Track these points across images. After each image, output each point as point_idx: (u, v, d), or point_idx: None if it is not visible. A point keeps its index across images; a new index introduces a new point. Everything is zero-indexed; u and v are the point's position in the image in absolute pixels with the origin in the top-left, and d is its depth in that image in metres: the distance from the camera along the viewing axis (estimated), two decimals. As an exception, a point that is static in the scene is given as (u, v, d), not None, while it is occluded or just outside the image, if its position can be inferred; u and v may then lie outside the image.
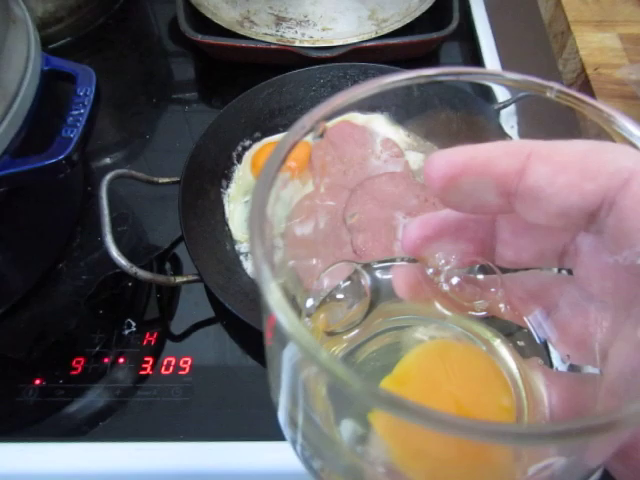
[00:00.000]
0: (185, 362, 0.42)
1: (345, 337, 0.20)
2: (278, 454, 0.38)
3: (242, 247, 0.47)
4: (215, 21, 0.56)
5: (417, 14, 0.57)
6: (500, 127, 0.55)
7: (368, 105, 0.62)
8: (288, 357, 0.14)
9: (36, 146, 0.36)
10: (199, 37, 0.54)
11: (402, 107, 0.62)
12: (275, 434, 0.39)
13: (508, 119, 0.54)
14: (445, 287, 0.19)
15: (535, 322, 0.18)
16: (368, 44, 0.55)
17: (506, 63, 0.59)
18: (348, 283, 0.21)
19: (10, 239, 0.43)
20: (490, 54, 0.60)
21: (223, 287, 0.42)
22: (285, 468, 0.38)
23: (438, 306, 0.19)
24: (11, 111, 0.32)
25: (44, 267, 0.45)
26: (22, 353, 0.42)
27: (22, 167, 0.33)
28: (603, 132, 0.16)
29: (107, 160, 0.54)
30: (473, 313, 0.19)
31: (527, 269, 0.18)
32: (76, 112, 0.35)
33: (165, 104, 0.59)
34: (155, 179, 0.45)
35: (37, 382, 0.41)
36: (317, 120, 0.16)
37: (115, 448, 0.38)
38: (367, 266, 0.21)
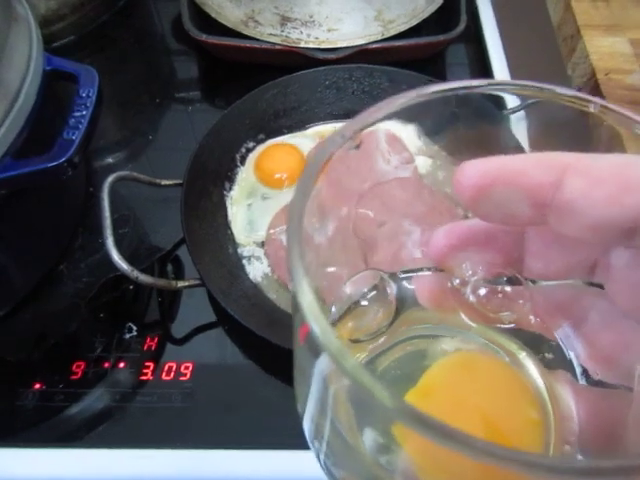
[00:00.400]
0: (186, 367, 0.42)
1: (370, 346, 0.19)
2: (281, 463, 0.38)
3: (245, 251, 0.47)
4: (219, 20, 0.55)
5: (424, 15, 0.56)
6: (510, 131, 0.54)
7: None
8: (319, 366, 0.14)
9: (37, 147, 0.35)
10: (203, 37, 0.54)
11: (405, 115, 0.61)
12: (278, 442, 0.38)
13: (517, 124, 0.53)
14: (471, 298, 0.19)
15: (563, 335, 0.17)
16: (374, 46, 0.54)
17: (513, 66, 0.59)
18: (374, 292, 0.20)
19: (10, 240, 0.42)
20: (497, 56, 0.60)
21: (225, 292, 0.41)
22: (288, 477, 0.38)
23: (463, 317, 0.19)
24: (12, 112, 0.32)
25: (45, 269, 0.44)
26: (21, 356, 0.41)
27: (23, 169, 0.32)
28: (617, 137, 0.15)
29: (109, 160, 0.53)
30: (500, 325, 0.18)
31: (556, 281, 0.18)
32: (78, 114, 0.34)
33: (168, 103, 0.59)
34: (158, 181, 0.45)
35: (37, 386, 0.40)
36: (357, 130, 0.15)
37: (114, 455, 0.38)
38: (393, 275, 0.20)
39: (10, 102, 0.32)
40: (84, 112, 0.35)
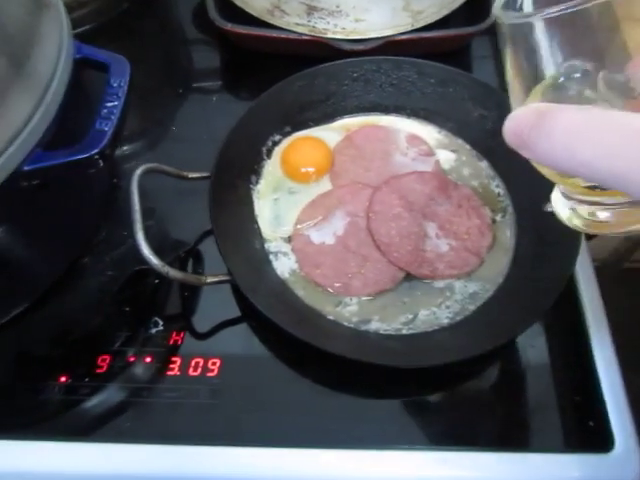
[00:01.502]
0: (214, 363, 0.41)
1: None
2: (308, 461, 0.37)
3: (271, 246, 0.46)
4: (245, 9, 0.54)
5: (454, 6, 0.55)
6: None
7: (393, 105, 0.59)
8: None
9: (64, 139, 0.35)
10: (229, 26, 0.53)
11: (432, 108, 0.59)
12: (306, 440, 0.38)
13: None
14: None
15: None
16: (403, 37, 0.53)
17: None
18: None
19: (33, 233, 0.42)
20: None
21: (254, 288, 0.40)
22: (315, 475, 0.38)
23: None
24: (44, 102, 0.31)
25: (68, 262, 0.44)
26: (46, 350, 0.41)
27: (54, 161, 0.32)
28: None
29: (133, 152, 0.52)
30: None
31: None
32: (110, 104, 0.34)
33: (190, 94, 0.58)
34: (185, 174, 0.44)
35: (62, 380, 0.40)
36: None
37: (140, 450, 0.38)
38: None
39: (42, 92, 0.31)
40: (116, 102, 0.34)
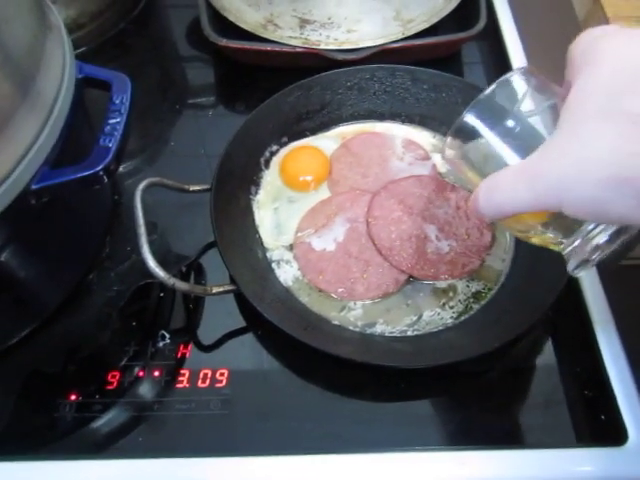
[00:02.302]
0: (222, 374, 0.41)
1: None
2: (323, 467, 0.37)
3: (274, 255, 0.46)
4: (239, 24, 0.55)
5: (444, 13, 0.56)
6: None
7: (388, 112, 0.61)
8: None
9: (70, 156, 0.35)
10: (223, 41, 0.54)
11: (426, 113, 0.60)
12: (319, 447, 0.38)
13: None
14: None
15: None
16: (395, 45, 0.54)
17: (534, 63, 0.58)
18: None
19: (41, 251, 0.42)
20: (516, 53, 0.59)
21: (260, 297, 0.41)
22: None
23: None
24: (50, 121, 0.32)
25: (75, 279, 0.44)
26: (56, 368, 0.41)
27: (61, 178, 0.32)
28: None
29: (133, 168, 0.53)
30: None
31: None
32: (113, 120, 0.34)
33: (188, 109, 0.58)
34: (186, 187, 0.44)
35: (73, 397, 0.40)
36: None
37: (153, 465, 0.38)
38: None
39: (47, 112, 0.32)
40: (118, 119, 0.34)
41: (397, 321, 0.43)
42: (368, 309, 0.43)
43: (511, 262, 0.45)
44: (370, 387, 0.41)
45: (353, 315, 0.43)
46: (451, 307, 0.43)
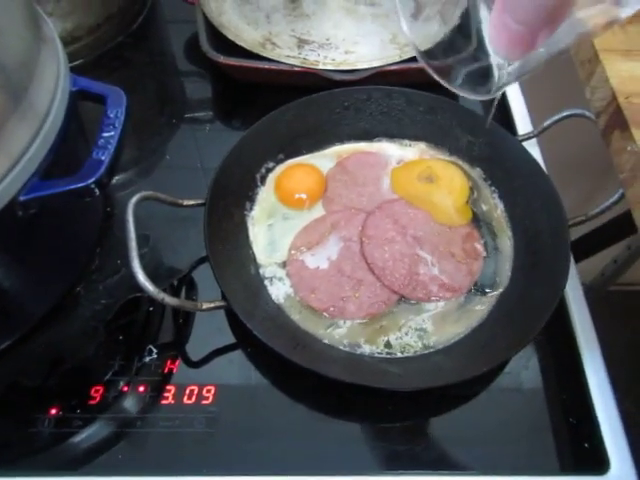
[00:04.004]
0: (208, 391, 0.41)
1: None
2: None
3: (266, 271, 0.46)
4: (237, 42, 0.55)
5: (438, 38, 0.56)
6: (525, 152, 0.54)
7: (384, 132, 0.61)
8: None
9: (61, 168, 0.35)
10: (222, 58, 0.54)
11: (421, 135, 0.61)
12: (304, 467, 0.37)
13: (531, 150, 0.53)
14: None
15: None
16: (392, 68, 0.55)
17: (528, 89, 0.59)
18: None
19: (27, 261, 0.41)
20: (510, 78, 0.60)
21: (250, 313, 0.40)
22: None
23: None
24: (41, 133, 0.31)
25: (62, 290, 0.44)
26: (38, 380, 0.40)
27: (52, 190, 0.32)
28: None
29: (127, 181, 0.53)
30: None
31: None
32: (107, 134, 0.34)
33: (184, 124, 0.59)
34: (180, 201, 0.44)
35: (53, 412, 0.39)
36: None
37: (135, 483, 0.37)
38: None
39: (39, 124, 0.32)
40: (112, 132, 0.34)
41: (378, 341, 0.42)
42: (352, 328, 0.43)
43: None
44: (358, 408, 0.40)
45: (338, 333, 0.43)
46: (441, 329, 0.43)
